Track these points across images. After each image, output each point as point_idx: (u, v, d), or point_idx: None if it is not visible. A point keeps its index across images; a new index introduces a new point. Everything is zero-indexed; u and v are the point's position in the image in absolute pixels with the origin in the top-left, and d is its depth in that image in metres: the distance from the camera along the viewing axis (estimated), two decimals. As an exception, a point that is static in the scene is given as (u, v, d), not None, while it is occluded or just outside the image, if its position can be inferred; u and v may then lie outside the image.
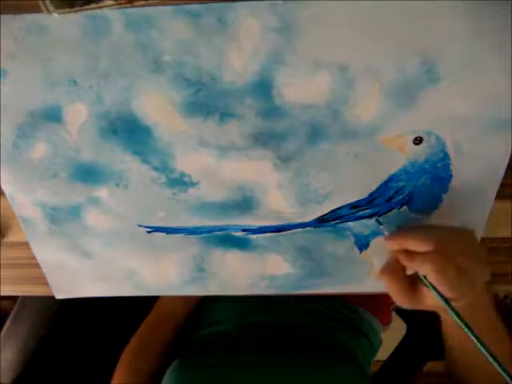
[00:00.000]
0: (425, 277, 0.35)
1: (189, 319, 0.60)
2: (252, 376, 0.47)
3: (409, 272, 0.38)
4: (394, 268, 0.37)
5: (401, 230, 0.39)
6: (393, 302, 0.67)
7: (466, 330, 0.34)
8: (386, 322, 0.66)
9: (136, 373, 0.54)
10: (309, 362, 0.50)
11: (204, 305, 0.61)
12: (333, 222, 0.42)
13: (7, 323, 0.64)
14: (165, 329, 0.58)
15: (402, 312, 0.75)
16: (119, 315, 0.65)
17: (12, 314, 0.65)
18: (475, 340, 0.33)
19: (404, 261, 0.36)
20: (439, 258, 0.34)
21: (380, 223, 0.41)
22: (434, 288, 0.34)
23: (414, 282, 0.37)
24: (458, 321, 0.34)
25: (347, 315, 0.59)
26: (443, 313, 0.41)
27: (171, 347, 0.57)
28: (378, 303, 0.64)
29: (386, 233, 0.40)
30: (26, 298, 0.65)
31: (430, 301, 0.36)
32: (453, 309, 0.34)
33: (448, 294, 0.34)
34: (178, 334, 0.59)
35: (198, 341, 0.57)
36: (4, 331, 0.64)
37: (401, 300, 0.37)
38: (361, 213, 0.41)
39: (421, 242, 0.35)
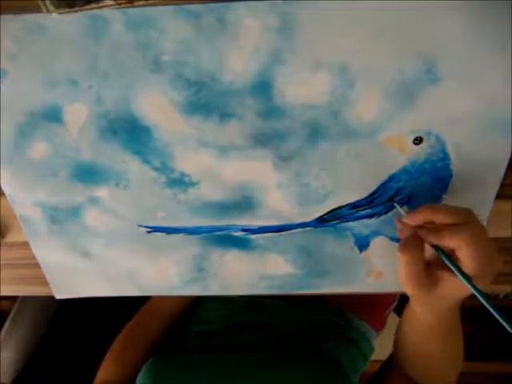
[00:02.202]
0: (446, 256, 0.33)
1: (180, 315, 0.60)
2: (229, 374, 0.48)
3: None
4: (414, 246, 0.34)
5: (419, 207, 0.37)
6: (388, 307, 0.67)
7: (490, 308, 0.32)
8: (379, 328, 0.66)
9: (124, 364, 0.55)
10: (285, 365, 0.50)
11: (196, 302, 0.61)
12: (333, 222, 0.42)
13: (7, 323, 0.64)
14: (155, 323, 0.59)
15: (401, 312, 0.75)
16: (119, 315, 0.65)
17: (12, 313, 0.65)
18: (498, 316, 0.32)
19: (430, 235, 0.34)
20: (474, 230, 0.32)
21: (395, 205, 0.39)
22: (456, 265, 0.33)
23: (428, 266, 0.35)
24: (482, 299, 0.32)
25: (338, 323, 0.59)
26: (426, 306, 0.39)
27: (160, 342, 0.57)
28: (371, 310, 0.63)
29: (403, 213, 0.38)
30: (26, 298, 0.65)
31: (442, 287, 0.34)
32: (475, 286, 0.33)
33: (475, 270, 0.32)
34: (168, 330, 0.59)
35: (187, 337, 0.57)
36: (4, 331, 0.64)
37: (414, 282, 0.34)
38: (361, 213, 0.41)
39: (453, 213, 0.33)
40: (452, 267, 0.33)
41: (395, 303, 0.69)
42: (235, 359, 0.50)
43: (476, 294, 0.33)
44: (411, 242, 0.35)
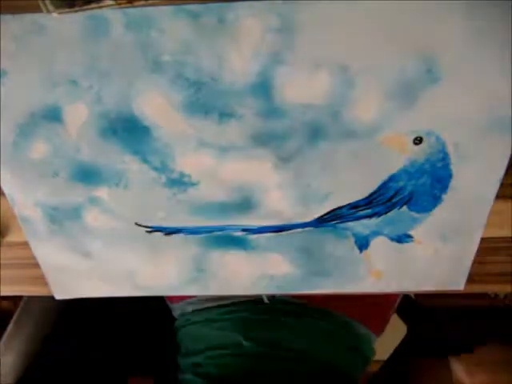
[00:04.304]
0: None
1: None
2: None
3: None
4: None
5: None
6: (389, 310, 0.67)
7: None
8: (380, 331, 0.66)
9: None
10: None
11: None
12: (333, 222, 0.42)
13: (10, 325, 0.64)
14: None
15: (402, 312, 0.75)
16: (121, 317, 0.64)
17: (15, 316, 0.64)
18: None
19: None
20: None
21: None
22: None
23: None
24: None
25: (341, 333, 0.58)
26: None
27: None
28: (372, 314, 0.63)
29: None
30: (28, 300, 0.65)
31: None
32: None
33: None
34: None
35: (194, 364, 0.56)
36: (7, 333, 0.63)
37: None
38: (361, 213, 0.41)
39: None
40: None
41: (396, 305, 0.69)
42: None
43: None
44: None
